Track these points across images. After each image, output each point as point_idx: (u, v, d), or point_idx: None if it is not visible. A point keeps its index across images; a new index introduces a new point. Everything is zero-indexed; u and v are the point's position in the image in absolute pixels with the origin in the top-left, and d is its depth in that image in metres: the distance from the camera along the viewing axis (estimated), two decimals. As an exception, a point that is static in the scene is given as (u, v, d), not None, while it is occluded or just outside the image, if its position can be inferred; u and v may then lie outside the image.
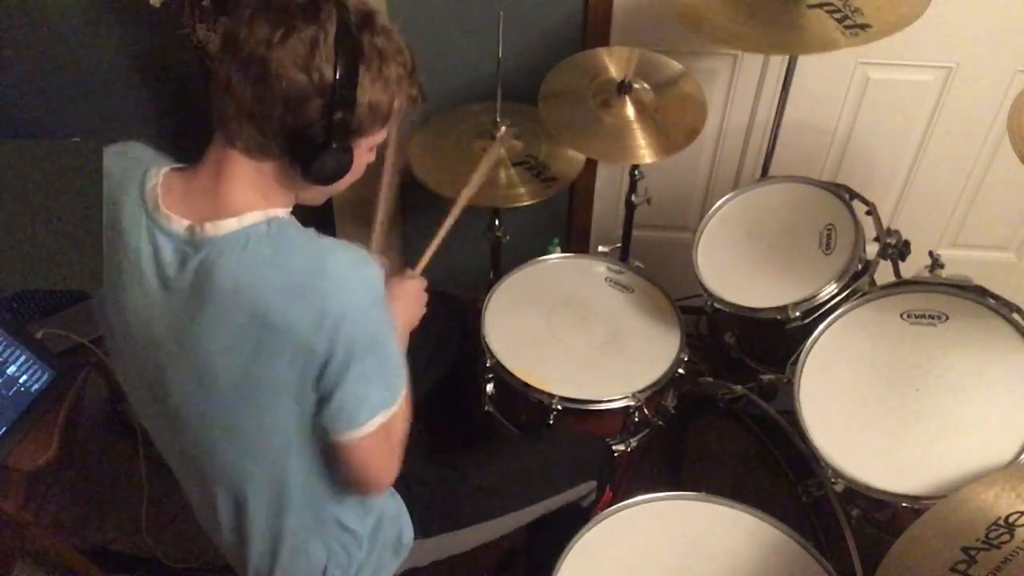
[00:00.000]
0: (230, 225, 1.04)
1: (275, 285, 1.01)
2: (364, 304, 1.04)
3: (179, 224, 1.05)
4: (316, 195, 1.13)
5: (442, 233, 1.53)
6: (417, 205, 2.32)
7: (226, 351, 1.04)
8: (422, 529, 1.37)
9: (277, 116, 1.00)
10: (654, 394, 1.67)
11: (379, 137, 1.10)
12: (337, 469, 1.18)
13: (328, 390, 1.06)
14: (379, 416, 1.09)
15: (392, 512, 1.34)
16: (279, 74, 0.97)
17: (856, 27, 1.60)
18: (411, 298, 1.38)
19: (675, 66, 1.90)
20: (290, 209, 1.12)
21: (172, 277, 1.06)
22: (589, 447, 1.58)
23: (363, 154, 1.10)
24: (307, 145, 1.02)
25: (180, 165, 1.12)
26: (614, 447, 1.71)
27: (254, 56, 0.98)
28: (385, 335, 1.08)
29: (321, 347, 1.02)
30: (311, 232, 1.08)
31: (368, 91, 1.02)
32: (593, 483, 1.52)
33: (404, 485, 1.36)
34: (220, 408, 1.10)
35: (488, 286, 1.86)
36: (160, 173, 1.09)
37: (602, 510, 1.43)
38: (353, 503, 1.26)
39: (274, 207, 1.08)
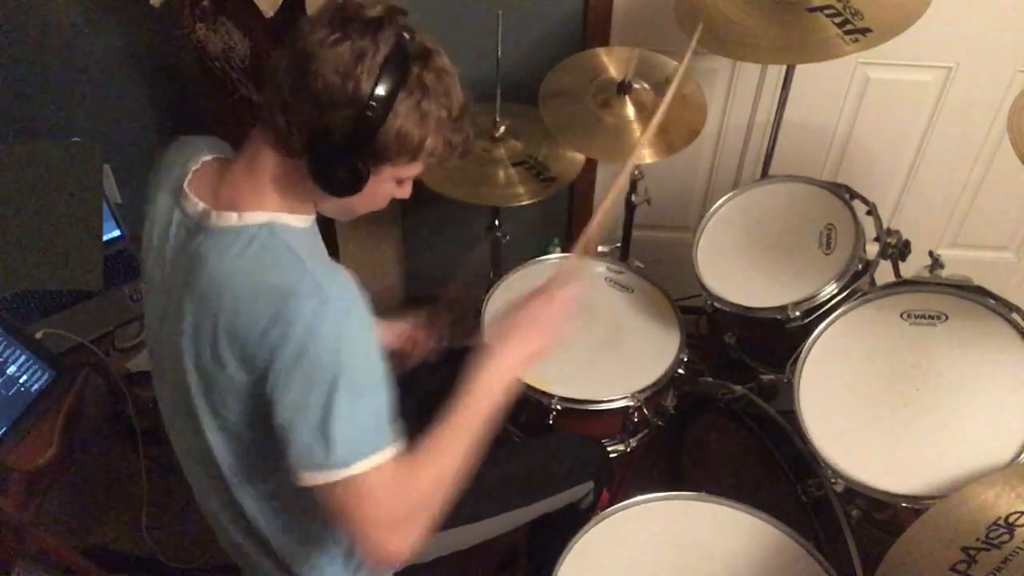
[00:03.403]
0: (230, 219, 1.07)
1: (238, 291, 1.02)
2: (322, 342, 0.99)
3: (195, 206, 1.10)
4: (333, 208, 1.14)
5: (608, 204, 1.38)
6: (417, 205, 2.32)
7: (189, 340, 1.08)
8: None
9: (306, 113, 1.01)
10: (654, 394, 1.67)
11: (407, 171, 1.10)
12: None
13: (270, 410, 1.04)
14: (307, 472, 1.01)
15: None
16: (318, 73, 0.99)
17: (857, 31, 1.60)
18: (551, 316, 1.24)
19: (675, 66, 1.90)
20: (310, 218, 1.13)
21: (175, 257, 1.11)
22: (586, 449, 1.57)
23: (385, 182, 1.10)
24: (325, 150, 1.03)
25: (225, 156, 1.16)
26: (614, 447, 1.71)
27: (304, 51, 1.00)
28: (337, 390, 1.00)
29: (261, 360, 1.01)
30: (313, 252, 1.08)
31: (401, 119, 1.02)
32: (590, 484, 1.52)
33: None
34: (191, 395, 1.12)
35: (488, 286, 1.86)
36: (202, 159, 1.15)
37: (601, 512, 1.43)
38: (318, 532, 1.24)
39: (286, 212, 1.09)
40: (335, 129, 1.01)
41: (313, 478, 1.01)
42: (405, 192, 1.15)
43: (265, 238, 1.06)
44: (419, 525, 1.07)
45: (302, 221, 1.11)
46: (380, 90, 1.00)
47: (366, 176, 1.06)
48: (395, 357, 1.49)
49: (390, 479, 1.03)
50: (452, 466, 1.11)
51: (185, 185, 1.12)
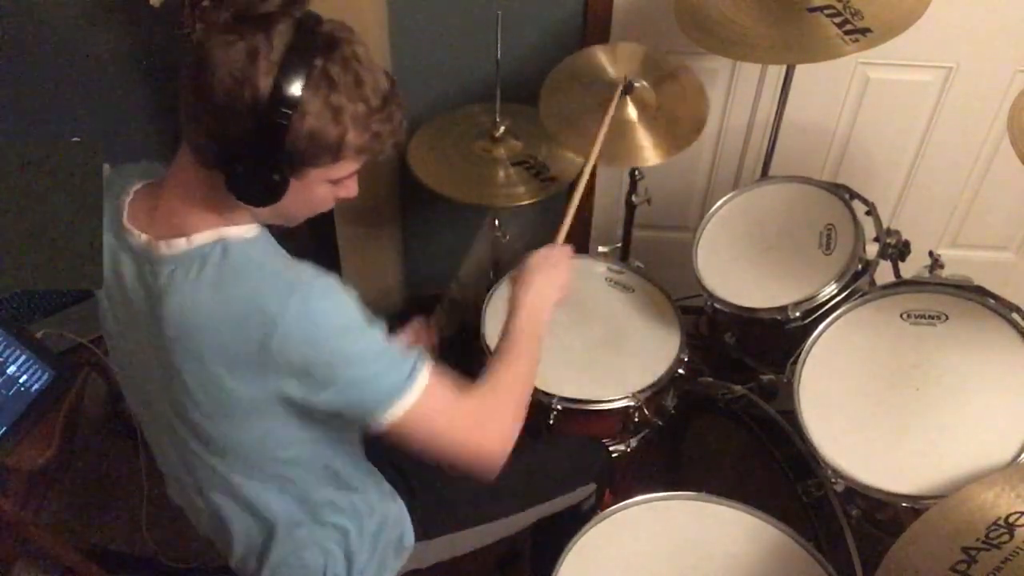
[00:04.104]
0: (179, 245, 1.03)
1: (216, 321, 1.00)
2: (323, 329, 1.01)
3: (138, 239, 1.06)
4: (270, 216, 1.08)
5: (576, 200, 1.53)
6: (417, 205, 2.32)
7: (190, 370, 1.05)
8: (424, 531, 1.37)
9: (209, 123, 0.96)
10: (654, 394, 1.67)
11: (337, 172, 1.03)
12: (338, 468, 1.21)
13: (316, 400, 1.05)
14: (393, 408, 1.06)
15: (394, 515, 1.34)
16: (212, 80, 0.93)
17: (857, 32, 1.60)
18: (554, 266, 1.35)
19: (675, 66, 1.90)
20: (254, 226, 1.08)
21: (133, 293, 1.08)
22: (589, 451, 1.57)
23: (316, 185, 1.03)
24: (236, 160, 0.97)
25: (155, 180, 1.12)
26: (614, 447, 1.71)
27: (198, 57, 0.94)
28: (350, 355, 1.04)
29: (276, 370, 1.01)
30: (270, 254, 1.05)
31: (311, 118, 0.95)
32: (592, 486, 1.52)
33: (407, 486, 1.36)
34: (198, 418, 1.10)
35: (488, 286, 1.86)
36: (133, 189, 1.10)
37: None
38: (346, 503, 1.26)
39: (230, 224, 1.05)
40: (240, 138, 0.95)
41: (391, 416, 1.06)
42: (349, 191, 1.09)
43: (219, 256, 1.02)
44: (507, 421, 1.16)
45: (248, 231, 1.07)
46: (280, 90, 0.92)
47: (283, 184, 0.99)
48: None
49: (450, 387, 1.10)
50: (522, 375, 1.21)
51: (124, 220, 1.08)
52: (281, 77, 0.93)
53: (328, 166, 1.01)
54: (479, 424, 1.13)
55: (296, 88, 0.93)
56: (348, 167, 1.03)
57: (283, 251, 1.10)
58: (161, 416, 1.16)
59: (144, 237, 1.05)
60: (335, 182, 1.05)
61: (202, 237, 1.03)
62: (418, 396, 1.06)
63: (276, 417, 1.08)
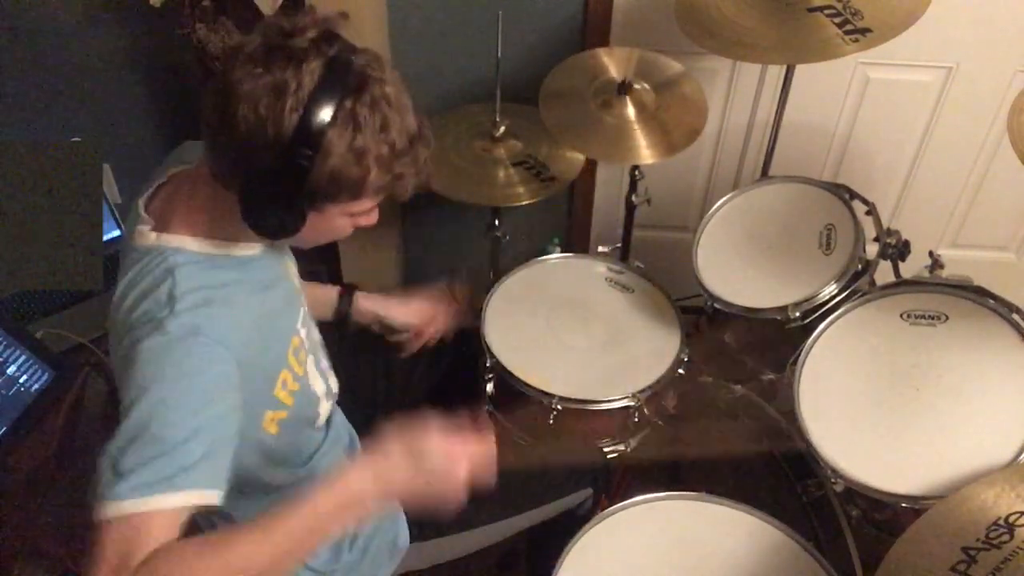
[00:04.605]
0: (149, 239, 1.02)
1: (122, 311, 0.98)
2: (143, 365, 0.92)
3: (143, 222, 1.05)
4: (288, 241, 1.07)
5: None
6: (416, 204, 2.32)
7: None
8: (418, 533, 1.36)
9: (229, 153, 0.94)
10: (654, 394, 1.67)
11: (356, 207, 1.02)
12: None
13: None
14: (101, 506, 0.87)
15: (390, 516, 1.34)
16: (235, 111, 0.91)
17: (857, 31, 1.60)
18: (438, 471, 1.07)
19: (675, 66, 1.90)
20: (256, 245, 1.07)
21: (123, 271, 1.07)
22: (585, 455, 1.57)
23: (334, 218, 1.02)
24: (255, 192, 0.95)
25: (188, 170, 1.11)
26: (614, 447, 1.71)
27: (225, 85, 0.92)
28: (133, 414, 0.89)
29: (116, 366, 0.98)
30: (197, 282, 0.99)
31: (334, 159, 0.93)
32: (588, 491, 1.51)
33: None
34: None
35: (488, 286, 1.86)
36: (169, 173, 1.10)
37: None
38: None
39: (207, 238, 1.03)
40: (260, 172, 0.93)
41: (98, 512, 0.87)
42: (369, 220, 1.07)
43: (166, 264, 0.99)
44: None
45: (245, 249, 1.06)
46: (304, 131, 0.90)
47: (300, 220, 0.98)
48: (408, 336, 1.49)
49: (144, 535, 0.86)
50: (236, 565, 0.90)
51: (142, 200, 1.07)
52: (306, 117, 0.90)
53: (346, 203, 1.00)
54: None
55: (321, 129, 0.91)
56: (368, 203, 1.03)
57: (263, 285, 1.08)
58: None
59: (147, 222, 1.04)
60: (353, 214, 1.04)
61: (169, 239, 1.02)
62: (125, 510, 0.86)
63: None
